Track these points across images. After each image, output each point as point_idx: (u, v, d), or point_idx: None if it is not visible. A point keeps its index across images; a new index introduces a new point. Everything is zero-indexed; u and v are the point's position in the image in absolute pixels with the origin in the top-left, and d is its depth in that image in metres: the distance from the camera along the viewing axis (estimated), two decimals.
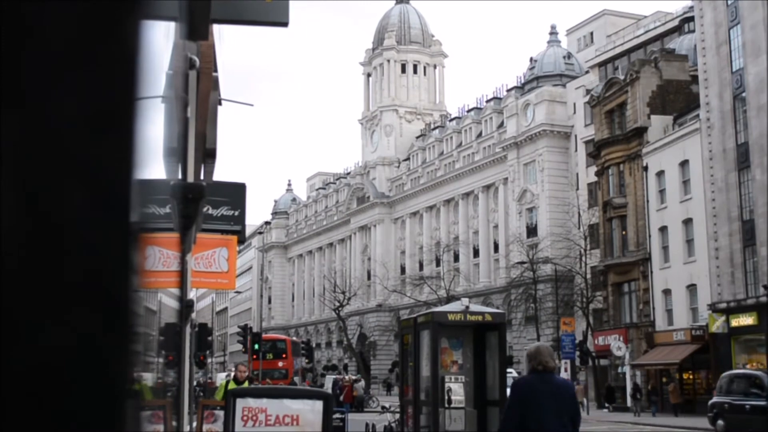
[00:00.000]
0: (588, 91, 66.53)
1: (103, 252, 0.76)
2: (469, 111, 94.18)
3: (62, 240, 0.75)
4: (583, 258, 61.58)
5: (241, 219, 11.98)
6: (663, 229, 53.48)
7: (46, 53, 0.76)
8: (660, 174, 53.80)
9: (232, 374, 18.69)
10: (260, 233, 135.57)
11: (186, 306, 9.34)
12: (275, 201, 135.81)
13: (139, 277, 0.78)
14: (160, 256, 10.07)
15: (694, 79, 53.81)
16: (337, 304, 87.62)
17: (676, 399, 48.05)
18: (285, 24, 6.73)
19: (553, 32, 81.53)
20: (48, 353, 0.74)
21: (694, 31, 55.52)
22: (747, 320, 44.91)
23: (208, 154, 10.23)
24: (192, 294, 9.86)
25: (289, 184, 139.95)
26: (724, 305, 46.47)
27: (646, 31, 67.57)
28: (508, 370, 34.56)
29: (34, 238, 0.75)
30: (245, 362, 17.70)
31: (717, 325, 46.42)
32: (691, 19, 57.60)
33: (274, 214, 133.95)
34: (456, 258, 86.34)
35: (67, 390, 0.75)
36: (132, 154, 0.78)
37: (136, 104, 0.79)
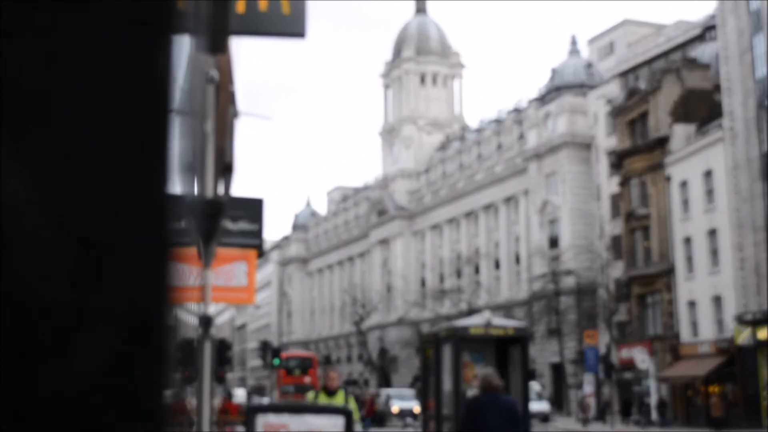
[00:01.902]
0: (609, 101, 66.32)
1: (139, 273, 0.76)
2: (489, 122, 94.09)
3: (97, 262, 0.75)
4: (606, 270, 61.30)
5: (259, 233, 11.98)
6: (687, 240, 53.15)
7: (76, 73, 0.76)
8: (683, 184, 53.52)
9: (319, 384, 17.43)
10: (280, 248, 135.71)
11: (205, 321, 9.33)
12: (295, 215, 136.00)
13: (173, 298, 0.78)
14: (179, 270, 10.06)
15: (717, 87, 53.54)
16: (358, 318, 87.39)
17: (718, 412, 46.74)
18: (302, 35, 6.74)
19: (574, 42, 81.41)
20: (80, 372, 0.74)
21: (716, 39, 55.27)
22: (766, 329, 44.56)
23: (226, 169, 10.24)
24: (211, 309, 9.85)
25: (309, 198, 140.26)
26: (750, 317, 46.09)
27: (668, 40, 67.33)
28: (532, 383, 34.52)
29: (68, 261, 0.74)
30: (335, 368, 15.44)
31: (743, 337, 46.07)
32: (714, 27, 57.35)
33: (294, 228, 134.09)
34: (477, 271, 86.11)
35: (98, 410, 0.75)
36: (165, 174, 0.78)
37: (168, 123, 0.79)
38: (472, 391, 16.25)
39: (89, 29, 0.77)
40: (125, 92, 0.78)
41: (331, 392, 12.78)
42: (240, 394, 65.11)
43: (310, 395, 13.29)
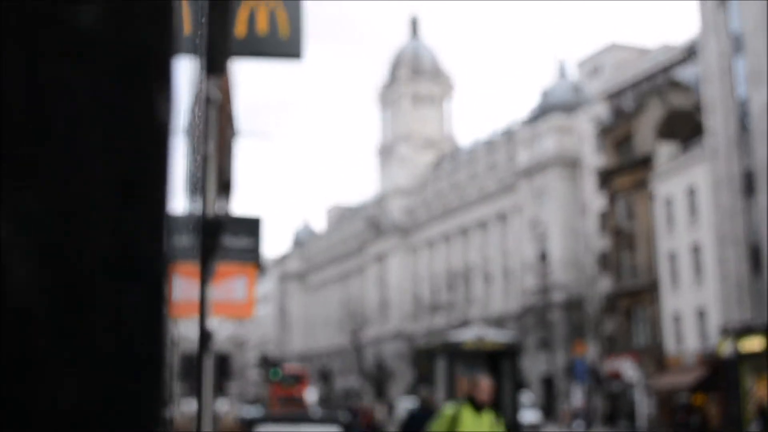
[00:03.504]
0: (597, 121, 66.47)
1: (132, 321, 0.74)
2: (480, 142, 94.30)
3: (87, 307, 0.73)
4: (594, 284, 61.29)
5: (259, 250, 11.91)
6: (671, 255, 53.19)
7: (74, 115, 0.74)
8: (668, 200, 53.61)
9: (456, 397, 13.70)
10: (279, 263, 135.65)
11: (206, 336, 9.25)
12: (294, 231, 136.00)
13: (168, 346, 0.76)
14: (178, 285, 9.99)
15: (699, 108, 53.69)
16: (354, 331, 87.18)
17: (715, 420, 46.06)
18: (300, 57, 6.69)
19: (562, 65, 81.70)
20: (72, 413, 0.72)
21: (698, 61, 55.44)
22: (755, 344, 44.47)
23: (226, 187, 10.18)
24: (212, 323, 9.77)
25: (308, 215, 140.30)
26: (732, 329, 46.04)
27: (653, 63, 67.50)
28: (523, 394, 34.30)
29: (59, 304, 0.73)
30: (487, 375, 10.14)
31: (725, 348, 46.00)
32: (696, 50, 57.55)
33: (294, 244, 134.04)
34: (470, 285, 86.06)
35: None
36: (162, 221, 0.76)
37: (167, 171, 0.77)
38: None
39: (82, 77, 0.75)
40: (123, 140, 0.75)
41: (479, 406, 8.92)
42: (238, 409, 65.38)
43: (447, 411, 9.02)
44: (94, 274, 0.74)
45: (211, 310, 9.64)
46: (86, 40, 0.76)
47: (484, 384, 8.89)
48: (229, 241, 10.31)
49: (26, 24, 0.75)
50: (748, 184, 46.49)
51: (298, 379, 54.16)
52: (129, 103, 0.75)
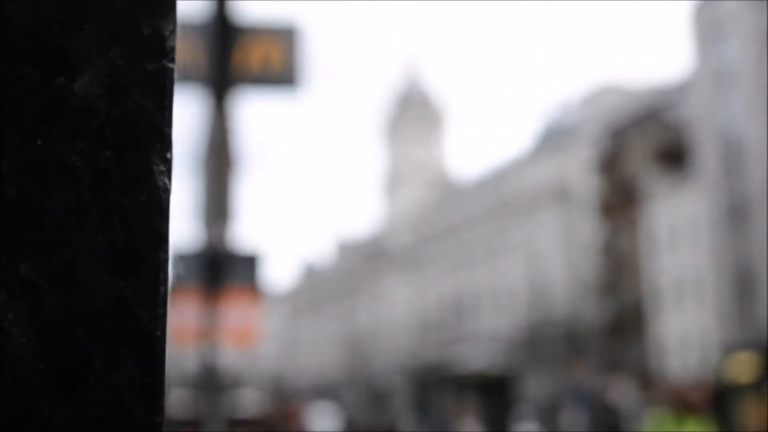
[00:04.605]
0: (590, 156, 66.77)
1: (130, 390, 0.73)
2: (478, 176, 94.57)
3: (87, 377, 0.72)
4: (590, 309, 61.29)
5: (263, 279, 11.86)
6: (665, 280, 53.42)
7: (70, 184, 0.73)
8: (660, 228, 53.91)
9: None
10: (286, 293, 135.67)
11: (212, 365, 9.18)
12: (301, 262, 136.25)
13: (163, 413, 0.74)
14: (184, 313, 9.93)
15: (690, 143, 54.08)
16: (357, 358, 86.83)
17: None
18: (298, 87, 6.69)
19: (558, 102, 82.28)
20: None
21: (689, 100, 55.97)
22: (748, 366, 44.39)
23: (230, 217, 10.14)
24: (217, 351, 9.70)
25: (315, 247, 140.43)
26: (726, 352, 46.05)
27: (646, 100, 67.77)
28: (522, 422, 34.10)
29: (57, 371, 0.72)
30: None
31: (720, 371, 45.90)
32: (687, 87, 58.01)
33: (299, 274, 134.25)
34: (472, 312, 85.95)
35: None
36: (159, 288, 0.74)
37: (166, 233, 0.75)
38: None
39: (78, 147, 0.73)
40: (120, 209, 0.74)
41: (689, 408, 7.44)
42: None
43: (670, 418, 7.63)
44: (90, 341, 0.72)
45: (217, 339, 9.58)
46: (82, 109, 0.74)
47: (696, 394, 8.85)
48: (235, 270, 10.27)
49: (21, 93, 0.73)
50: (738, 212, 46.77)
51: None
52: (126, 172, 0.75)
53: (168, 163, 0.76)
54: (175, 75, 0.76)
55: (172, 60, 0.77)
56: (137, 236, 0.74)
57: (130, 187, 0.74)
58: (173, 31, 0.76)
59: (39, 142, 0.73)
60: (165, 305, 0.74)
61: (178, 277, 9.73)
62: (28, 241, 0.72)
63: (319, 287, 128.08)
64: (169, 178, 0.76)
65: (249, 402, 29.26)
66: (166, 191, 0.75)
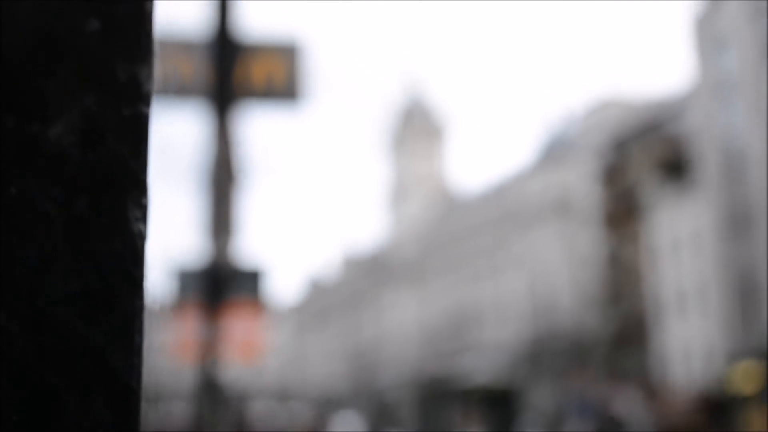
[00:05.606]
0: (592, 168, 66.75)
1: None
2: (480, 190, 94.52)
3: (60, 425, 0.70)
4: (594, 319, 61.16)
5: (268, 293, 11.83)
6: (668, 291, 53.31)
7: (44, 231, 0.71)
8: (663, 239, 53.83)
9: None
10: (292, 307, 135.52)
11: (215, 380, 9.14)
12: (305, 276, 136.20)
13: None
14: (188, 327, 9.90)
15: (691, 155, 54.05)
16: (362, 370, 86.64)
17: None
18: (301, 101, 6.67)
19: (559, 116, 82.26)
20: None
21: (691, 113, 55.96)
22: (752, 375, 44.23)
23: (234, 231, 10.12)
24: (222, 365, 9.66)
25: (320, 260, 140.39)
26: (730, 361, 45.90)
27: (647, 113, 67.74)
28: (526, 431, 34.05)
29: (30, 419, 0.70)
30: None
31: (724, 380, 45.74)
32: (688, 98, 57.99)
33: (305, 288, 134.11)
34: (476, 325, 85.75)
35: None
36: (135, 334, 0.72)
37: (142, 278, 0.73)
38: None
39: (52, 194, 0.72)
40: (95, 255, 0.72)
41: None
42: None
43: None
44: (64, 389, 0.70)
45: (222, 353, 9.55)
46: (56, 156, 0.72)
47: None
48: (240, 284, 10.24)
49: None
50: (740, 222, 46.74)
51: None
52: (100, 218, 0.72)
53: (144, 209, 0.74)
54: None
55: (148, 105, 0.74)
56: (112, 284, 0.71)
57: (105, 234, 0.72)
58: (149, 76, 0.74)
59: (13, 190, 0.70)
60: (140, 354, 0.73)
61: (181, 292, 9.71)
62: (1, 288, 0.70)
63: (325, 301, 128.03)
64: (145, 224, 0.74)
65: (297, 413, 29.39)
66: (142, 238, 0.73)
